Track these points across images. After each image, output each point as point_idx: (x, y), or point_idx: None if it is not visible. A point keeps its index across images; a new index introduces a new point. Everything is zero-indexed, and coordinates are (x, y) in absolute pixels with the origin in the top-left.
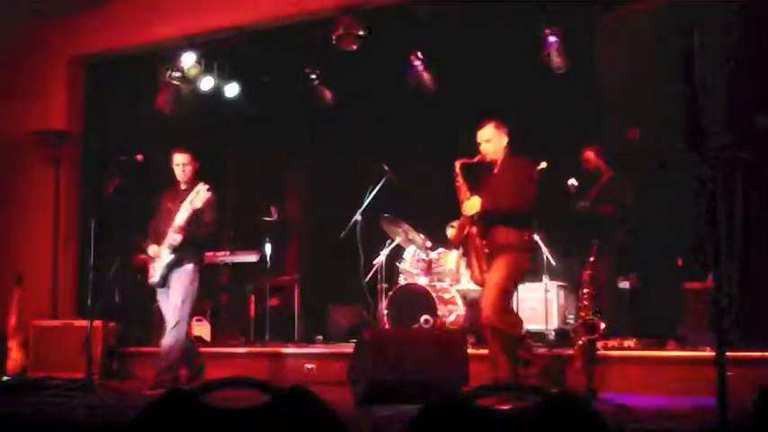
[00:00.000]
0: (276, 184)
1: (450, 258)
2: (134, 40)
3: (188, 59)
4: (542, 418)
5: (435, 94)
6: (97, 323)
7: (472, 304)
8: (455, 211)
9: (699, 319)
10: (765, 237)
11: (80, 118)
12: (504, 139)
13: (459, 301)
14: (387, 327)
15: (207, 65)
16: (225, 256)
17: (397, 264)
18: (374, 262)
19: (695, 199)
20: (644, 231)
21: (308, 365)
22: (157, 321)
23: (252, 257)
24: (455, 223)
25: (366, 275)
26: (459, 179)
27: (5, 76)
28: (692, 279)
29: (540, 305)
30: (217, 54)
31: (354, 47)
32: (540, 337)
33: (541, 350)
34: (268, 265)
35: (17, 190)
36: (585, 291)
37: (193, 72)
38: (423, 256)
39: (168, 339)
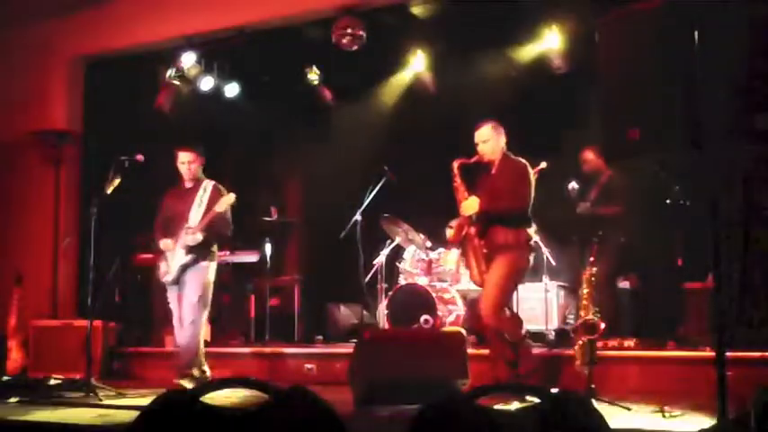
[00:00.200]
0: (276, 184)
1: (450, 258)
2: (134, 40)
3: (188, 59)
4: (542, 417)
5: (435, 94)
6: (97, 323)
7: (472, 304)
8: (455, 211)
9: (699, 319)
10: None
11: (80, 118)
12: (502, 140)
13: (459, 301)
14: (387, 327)
15: (207, 65)
16: (225, 256)
17: (397, 264)
18: (374, 262)
19: (695, 199)
20: (644, 231)
21: (308, 365)
22: (159, 320)
23: (252, 257)
24: (453, 223)
25: (366, 275)
26: (457, 179)
27: (5, 76)
28: (692, 279)
29: (540, 305)
30: (217, 54)
31: (354, 47)
32: (539, 337)
33: (541, 350)
34: (268, 265)
35: (17, 190)
36: (585, 291)
37: (193, 72)
38: (423, 256)
39: (185, 336)
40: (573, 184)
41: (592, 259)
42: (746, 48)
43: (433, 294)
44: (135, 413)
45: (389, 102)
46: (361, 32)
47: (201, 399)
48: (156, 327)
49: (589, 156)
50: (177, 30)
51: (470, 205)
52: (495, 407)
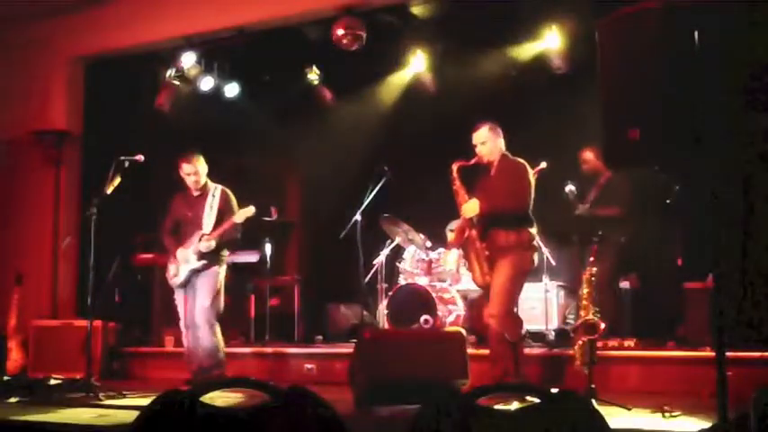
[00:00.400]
0: (276, 184)
1: (451, 258)
2: (134, 40)
3: (188, 59)
4: (542, 417)
5: (435, 94)
6: (97, 323)
7: (472, 304)
8: (455, 212)
9: (699, 319)
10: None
11: (80, 118)
12: (500, 141)
13: (459, 301)
14: (387, 327)
15: (207, 65)
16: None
17: (397, 264)
18: (374, 262)
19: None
20: (644, 231)
21: (308, 365)
22: (159, 320)
23: (252, 257)
24: (454, 226)
25: (366, 275)
26: (457, 182)
27: (5, 76)
28: (692, 279)
29: (540, 305)
30: (217, 54)
31: (354, 47)
32: (539, 337)
33: (541, 350)
34: (268, 265)
35: (17, 190)
36: (585, 291)
37: (193, 72)
38: (423, 256)
39: (203, 341)
40: (570, 187)
41: (592, 259)
42: (747, 48)
43: (433, 294)
44: (135, 413)
45: (389, 102)
46: (361, 32)
47: (201, 399)
48: (156, 327)
49: (589, 156)
50: (177, 30)
51: (471, 208)
52: (495, 407)
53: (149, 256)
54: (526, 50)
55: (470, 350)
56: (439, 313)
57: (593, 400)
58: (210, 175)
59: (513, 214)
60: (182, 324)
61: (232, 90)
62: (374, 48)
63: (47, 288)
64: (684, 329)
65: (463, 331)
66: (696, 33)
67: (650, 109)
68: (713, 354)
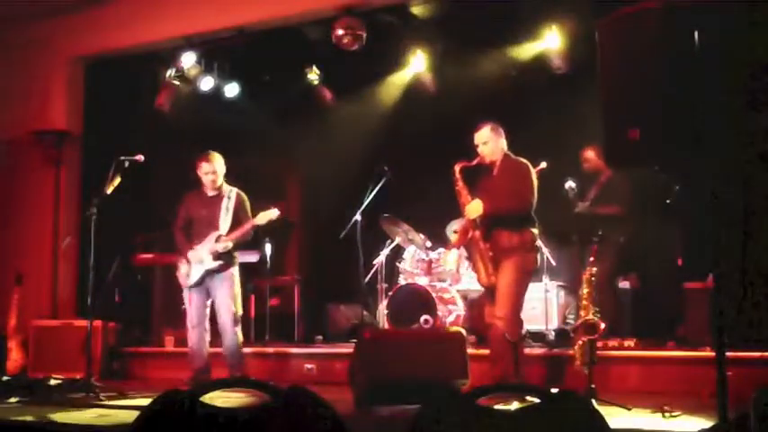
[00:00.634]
0: (276, 184)
1: (450, 258)
2: (134, 40)
3: (188, 59)
4: (542, 417)
5: (435, 94)
6: (97, 323)
7: (472, 304)
8: (455, 211)
9: (699, 319)
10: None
11: (80, 118)
12: (502, 141)
13: (460, 301)
14: (387, 327)
15: (207, 65)
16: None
17: (397, 264)
18: (374, 262)
19: (695, 199)
20: (644, 231)
21: (308, 365)
22: (159, 320)
23: (252, 257)
24: (456, 225)
25: (366, 275)
26: (460, 183)
27: (5, 76)
28: (692, 279)
29: (540, 305)
30: (217, 54)
31: (355, 47)
32: (539, 337)
33: (541, 350)
34: (268, 265)
35: (17, 190)
36: (585, 291)
37: (193, 72)
38: (423, 256)
39: (230, 341)
40: (570, 184)
41: (592, 259)
42: (747, 48)
43: (433, 294)
44: (135, 413)
45: (389, 102)
46: (361, 32)
47: (201, 399)
48: (156, 327)
49: (590, 155)
50: (177, 30)
51: (474, 208)
52: (495, 407)
53: (149, 256)
54: (526, 50)
55: (470, 350)
56: (439, 313)
57: (593, 400)
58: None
59: (517, 214)
60: (189, 324)
61: (232, 90)
62: (374, 48)
63: (47, 288)
64: (684, 329)
65: (463, 331)
66: (696, 33)
67: (650, 109)
68: (713, 354)
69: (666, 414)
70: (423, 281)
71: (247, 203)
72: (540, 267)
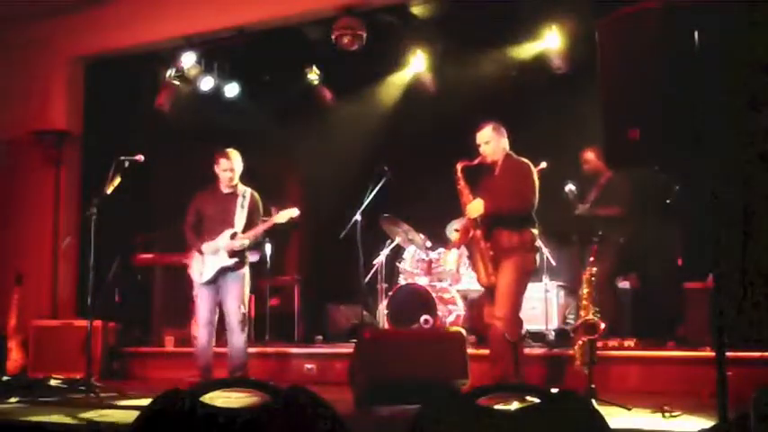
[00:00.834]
0: (276, 184)
1: (451, 258)
2: (134, 40)
3: (188, 59)
4: (542, 417)
5: (435, 94)
6: (97, 323)
7: (472, 304)
8: (455, 211)
9: (699, 319)
10: (766, 236)
11: (80, 118)
12: (504, 140)
13: (460, 301)
14: (387, 327)
15: (207, 65)
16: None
17: (397, 264)
18: (374, 262)
19: (695, 199)
20: (644, 231)
21: (308, 365)
22: (159, 320)
23: (252, 257)
24: (456, 225)
25: (366, 275)
26: (461, 182)
27: (5, 76)
28: (692, 279)
29: (540, 305)
30: (217, 54)
31: (355, 47)
32: (539, 337)
33: (541, 350)
34: (268, 265)
35: (17, 190)
36: (585, 291)
37: (193, 72)
38: (423, 256)
39: (237, 341)
40: (570, 187)
41: (592, 259)
42: (747, 48)
43: (433, 294)
44: (135, 413)
45: (389, 102)
46: (361, 32)
47: (201, 399)
48: (156, 327)
49: (590, 156)
50: (177, 30)
51: (475, 208)
52: (495, 407)
53: (149, 256)
54: (526, 50)
55: (470, 350)
56: (439, 313)
57: (593, 400)
58: (210, 174)
59: (518, 214)
60: (200, 321)
61: (232, 90)
62: (374, 48)
63: (47, 288)
64: (684, 329)
65: (463, 331)
66: (696, 33)
67: (650, 109)
68: (713, 354)
69: (666, 414)
70: (423, 281)
71: (260, 204)
72: (540, 267)
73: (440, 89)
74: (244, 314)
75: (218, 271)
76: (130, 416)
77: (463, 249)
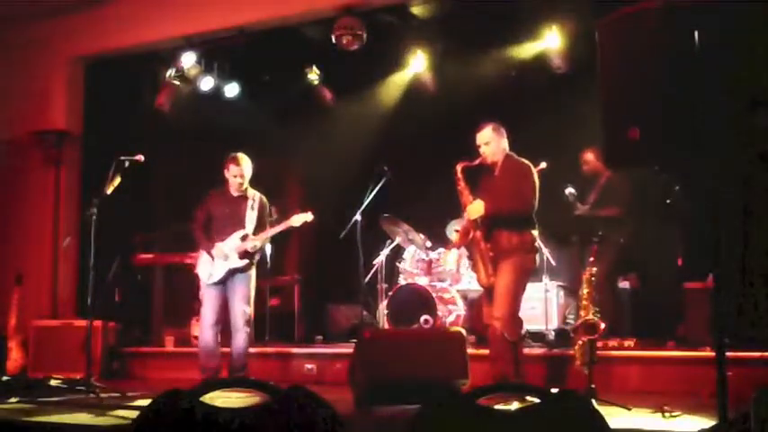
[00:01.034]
0: (276, 184)
1: (450, 258)
2: (134, 40)
3: (188, 59)
4: (542, 417)
5: (435, 94)
6: (97, 323)
7: (472, 304)
8: (455, 212)
9: (699, 319)
10: (766, 236)
11: (80, 118)
12: (504, 141)
13: (460, 301)
14: (387, 327)
15: (207, 65)
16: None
17: (397, 264)
18: (374, 262)
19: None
20: (644, 231)
21: (308, 365)
22: (159, 320)
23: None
24: (457, 225)
25: (366, 275)
26: (461, 183)
27: (5, 76)
28: (692, 279)
29: (540, 305)
30: (217, 54)
31: (355, 47)
32: (539, 337)
33: (541, 350)
34: (268, 265)
35: (17, 190)
36: (585, 291)
37: (193, 72)
38: (423, 256)
39: (241, 342)
40: (570, 190)
41: (592, 259)
42: (747, 48)
43: (433, 294)
44: (135, 413)
45: (389, 102)
46: (361, 32)
47: (201, 399)
48: (156, 327)
49: (589, 157)
50: (177, 30)
51: (476, 209)
52: (495, 407)
53: (149, 256)
54: (526, 50)
55: (470, 350)
56: (439, 313)
57: (593, 400)
58: (210, 174)
59: (518, 215)
60: (206, 322)
61: (232, 90)
62: (374, 48)
63: (47, 288)
64: (684, 329)
65: (463, 331)
66: (696, 33)
67: (650, 109)
68: (713, 354)
69: (666, 414)
70: (423, 281)
71: (268, 208)
72: (540, 267)
73: (440, 89)
74: (249, 315)
75: (228, 272)
76: (130, 416)
77: (463, 249)
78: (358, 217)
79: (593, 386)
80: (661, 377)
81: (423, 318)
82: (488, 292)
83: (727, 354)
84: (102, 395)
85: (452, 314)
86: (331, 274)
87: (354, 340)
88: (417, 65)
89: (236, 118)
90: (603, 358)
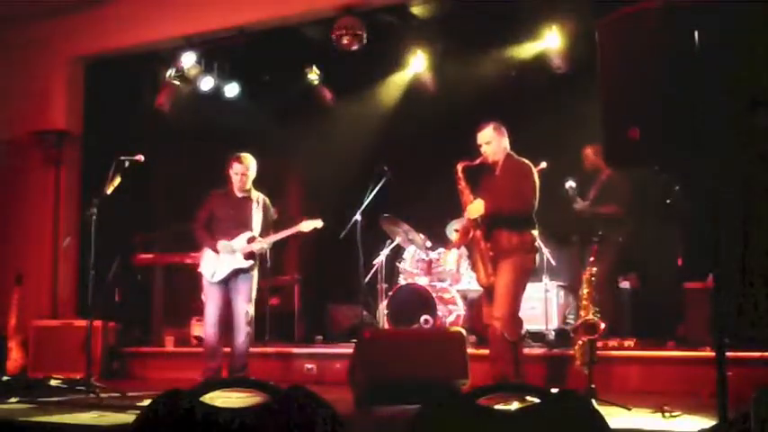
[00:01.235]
0: (276, 184)
1: (451, 258)
2: (134, 40)
3: (188, 59)
4: (542, 417)
5: (435, 94)
6: (97, 323)
7: (472, 304)
8: (455, 212)
9: (699, 319)
10: (766, 236)
11: (80, 118)
12: (505, 141)
13: (460, 301)
14: (387, 327)
15: (207, 65)
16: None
17: (397, 264)
18: (374, 262)
19: (695, 199)
20: (644, 231)
21: (308, 365)
22: (159, 320)
23: None
24: (457, 225)
25: (366, 275)
26: (462, 182)
27: (5, 76)
28: (692, 279)
29: (540, 305)
30: (217, 54)
31: (355, 47)
32: (539, 337)
33: (541, 350)
34: (268, 265)
35: (17, 190)
36: (585, 291)
37: (193, 72)
38: (423, 256)
39: (242, 341)
40: (570, 183)
41: (592, 259)
42: (747, 48)
43: (433, 294)
44: (135, 413)
45: (389, 102)
46: (361, 32)
47: (201, 399)
48: (156, 327)
49: (589, 153)
50: (177, 30)
51: (476, 208)
52: (495, 407)
53: (149, 256)
54: (526, 50)
55: (470, 350)
56: (439, 313)
57: (593, 400)
58: (211, 174)
59: (519, 215)
60: (208, 321)
61: (232, 90)
62: (374, 48)
63: (47, 288)
64: (684, 329)
65: (463, 331)
66: (696, 33)
67: (650, 109)
68: (713, 354)
69: (666, 414)
70: (423, 281)
71: (271, 210)
72: (540, 267)
73: (440, 89)
74: (251, 315)
75: (232, 272)
76: (130, 416)
77: (463, 249)
78: (358, 217)
79: (593, 386)
80: (661, 377)
81: (423, 318)
82: (488, 292)
83: (727, 354)
84: (102, 395)
85: (452, 314)
86: (331, 274)
87: (354, 340)
88: (417, 65)
89: (236, 118)
90: (603, 358)
